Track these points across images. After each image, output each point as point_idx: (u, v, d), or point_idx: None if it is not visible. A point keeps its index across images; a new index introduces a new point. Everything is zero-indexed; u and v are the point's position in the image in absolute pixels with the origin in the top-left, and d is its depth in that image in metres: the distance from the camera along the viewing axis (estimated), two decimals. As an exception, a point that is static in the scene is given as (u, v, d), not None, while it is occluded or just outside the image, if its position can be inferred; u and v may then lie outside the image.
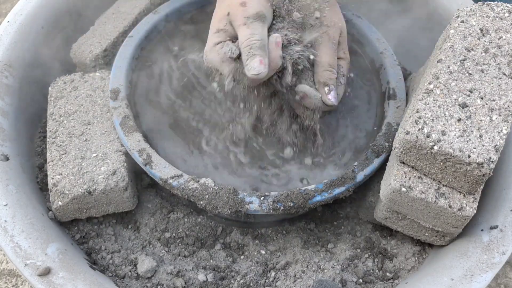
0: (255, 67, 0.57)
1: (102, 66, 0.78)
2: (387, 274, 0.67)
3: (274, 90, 0.64)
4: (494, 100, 0.57)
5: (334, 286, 0.63)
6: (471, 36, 0.62)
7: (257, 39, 0.59)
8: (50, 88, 0.75)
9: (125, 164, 0.67)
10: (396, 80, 0.74)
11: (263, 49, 0.58)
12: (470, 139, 0.55)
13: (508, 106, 0.57)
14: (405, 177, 0.60)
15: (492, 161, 0.54)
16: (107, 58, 0.78)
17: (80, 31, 0.85)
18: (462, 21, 0.63)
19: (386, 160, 0.66)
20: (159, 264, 0.66)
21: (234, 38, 0.63)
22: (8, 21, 0.77)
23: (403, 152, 0.58)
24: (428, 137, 0.55)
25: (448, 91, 0.58)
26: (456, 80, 0.59)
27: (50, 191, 0.65)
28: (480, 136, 0.55)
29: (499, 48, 0.61)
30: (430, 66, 0.64)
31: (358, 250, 0.70)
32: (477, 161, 0.54)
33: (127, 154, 0.68)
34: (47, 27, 0.79)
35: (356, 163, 0.66)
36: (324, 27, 0.65)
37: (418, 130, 0.56)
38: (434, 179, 0.59)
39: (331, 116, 0.72)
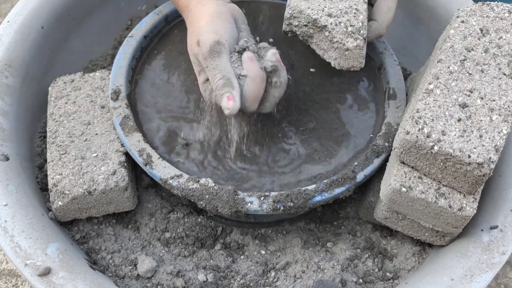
0: (225, 106, 0.60)
1: None
2: (387, 274, 0.67)
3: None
4: (494, 100, 0.57)
5: (334, 286, 0.63)
6: (471, 36, 0.62)
7: (219, 79, 0.60)
8: (50, 88, 0.75)
9: (125, 164, 0.67)
10: (396, 80, 0.74)
11: (227, 85, 0.60)
12: (470, 139, 0.55)
13: (508, 106, 0.57)
14: (405, 177, 0.60)
15: (492, 161, 0.54)
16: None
17: (79, 31, 0.85)
18: (462, 21, 0.63)
19: (386, 160, 0.66)
20: (159, 264, 0.66)
21: None
22: (8, 21, 0.77)
23: (403, 152, 0.58)
24: (428, 137, 0.55)
25: (448, 91, 0.58)
26: (456, 80, 0.59)
27: (50, 191, 0.65)
28: (480, 136, 0.55)
29: (499, 48, 0.61)
30: (430, 66, 0.64)
31: (358, 250, 0.70)
32: (477, 161, 0.54)
33: (127, 154, 0.68)
34: (47, 27, 0.79)
35: (356, 163, 0.66)
36: None
37: (418, 130, 0.56)
38: (434, 179, 0.59)
39: (331, 116, 0.72)
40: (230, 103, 0.59)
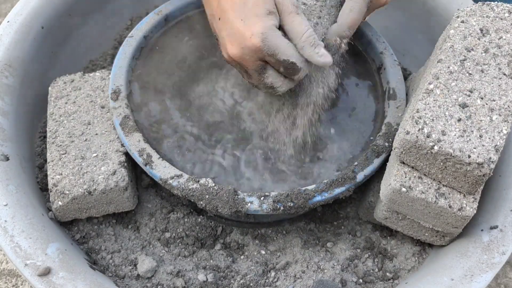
0: (327, 53, 0.59)
1: None
2: (387, 274, 0.67)
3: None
4: (494, 100, 0.57)
5: (334, 286, 0.63)
6: (471, 36, 0.62)
7: (313, 31, 0.60)
8: (50, 88, 0.75)
9: (125, 164, 0.67)
10: (396, 80, 0.74)
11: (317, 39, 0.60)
12: (470, 139, 0.55)
13: (508, 106, 0.57)
14: (405, 177, 0.60)
15: (492, 161, 0.54)
16: None
17: (79, 31, 0.85)
18: (462, 21, 0.63)
19: (386, 160, 0.66)
20: (159, 264, 0.66)
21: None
22: (8, 21, 0.77)
23: (403, 152, 0.58)
24: (428, 137, 0.55)
25: (448, 91, 0.58)
26: (456, 80, 0.59)
27: (50, 191, 0.65)
28: (480, 136, 0.55)
29: (499, 48, 0.61)
30: (430, 66, 0.64)
31: (358, 250, 0.70)
32: (477, 161, 0.54)
33: (127, 154, 0.68)
34: (47, 27, 0.79)
35: (356, 163, 0.66)
36: None
37: (418, 130, 0.56)
38: (434, 179, 0.59)
39: (331, 115, 0.72)
40: (330, 54, 0.60)
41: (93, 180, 0.65)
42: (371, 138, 0.70)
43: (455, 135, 0.55)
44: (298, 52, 0.60)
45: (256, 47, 0.59)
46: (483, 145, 0.55)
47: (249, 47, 0.59)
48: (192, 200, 0.63)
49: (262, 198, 0.62)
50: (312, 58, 0.59)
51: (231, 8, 0.60)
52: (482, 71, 0.59)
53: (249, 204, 0.62)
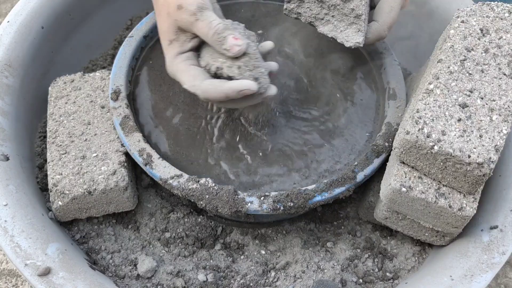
0: (233, 43, 0.58)
1: None
2: (387, 274, 0.67)
3: None
4: (494, 100, 0.57)
5: (334, 286, 0.63)
6: (471, 36, 0.62)
7: (217, 24, 0.60)
8: (50, 88, 0.75)
9: (125, 164, 0.67)
10: (396, 80, 0.74)
11: (228, 29, 0.60)
12: (470, 139, 0.55)
13: (508, 106, 0.57)
14: (405, 177, 0.60)
15: (492, 161, 0.54)
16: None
17: (79, 31, 0.85)
18: (462, 21, 0.63)
19: (386, 160, 0.66)
20: (159, 264, 0.66)
21: (187, 45, 0.63)
22: (8, 21, 0.77)
23: (403, 152, 0.58)
24: (428, 137, 0.55)
25: (448, 91, 0.58)
26: (456, 80, 0.59)
27: (50, 191, 0.65)
28: (480, 136, 0.55)
29: (499, 48, 0.61)
30: (430, 66, 0.64)
31: (358, 250, 0.70)
32: (477, 161, 0.54)
33: (127, 154, 0.68)
34: (47, 27, 0.79)
35: (356, 163, 0.66)
36: None
37: (418, 130, 0.56)
38: (434, 179, 0.59)
39: (330, 116, 0.72)
40: (238, 40, 0.59)
41: (93, 180, 0.65)
42: (371, 138, 0.70)
43: (455, 135, 0.55)
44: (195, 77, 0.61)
45: (168, 73, 0.65)
46: (483, 145, 0.55)
47: None
48: (192, 200, 0.63)
49: (262, 198, 0.62)
50: (225, 54, 0.60)
51: None
52: (482, 71, 0.59)
53: (249, 204, 0.62)
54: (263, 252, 0.70)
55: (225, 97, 0.60)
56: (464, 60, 0.60)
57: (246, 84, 0.59)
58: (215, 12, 0.64)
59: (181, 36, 0.63)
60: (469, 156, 0.54)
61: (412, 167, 0.60)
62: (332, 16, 0.65)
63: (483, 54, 0.60)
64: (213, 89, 0.60)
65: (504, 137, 0.55)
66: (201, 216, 0.71)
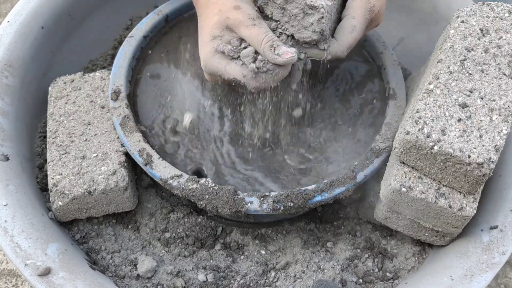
0: (287, 50, 0.59)
1: None
2: (387, 274, 0.67)
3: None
4: (494, 100, 0.57)
5: (334, 286, 0.63)
6: (471, 36, 0.62)
7: (273, 35, 0.60)
8: (50, 88, 0.75)
9: (125, 164, 0.67)
10: (396, 80, 0.74)
11: (280, 42, 0.60)
12: (470, 139, 0.55)
13: (508, 106, 0.57)
14: (405, 177, 0.60)
15: (492, 161, 0.54)
16: None
17: (79, 31, 0.85)
18: (462, 21, 0.63)
19: (386, 160, 0.66)
20: (159, 264, 0.66)
21: (232, 44, 0.63)
22: (8, 21, 0.77)
23: (403, 152, 0.58)
24: (428, 137, 0.55)
25: (448, 91, 0.58)
26: (456, 80, 0.59)
27: (50, 191, 0.65)
28: (480, 136, 0.55)
29: (499, 48, 0.61)
30: (430, 66, 0.64)
31: (358, 250, 0.70)
32: (477, 161, 0.54)
33: (127, 154, 0.68)
34: (47, 27, 0.79)
35: (356, 163, 0.66)
36: None
37: (418, 130, 0.56)
38: (434, 179, 0.59)
39: (331, 116, 0.72)
40: (292, 49, 0.59)
41: (93, 180, 0.65)
42: (371, 138, 0.70)
43: (455, 135, 0.55)
44: (242, 68, 0.61)
45: (203, 69, 0.64)
46: (483, 145, 0.55)
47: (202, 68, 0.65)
48: (192, 200, 0.63)
49: (262, 198, 0.62)
50: (275, 61, 0.59)
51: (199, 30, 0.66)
52: (482, 71, 0.59)
53: (249, 204, 0.62)
54: (263, 252, 0.70)
55: (286, 72, 0.60)
56: (464, 60, 0.60)
57: (289, 50, 0.60)
58: None
59: (227, 34, 0.62)
60: (469, 156, 0.54)
61: (412, 167, 0.60)
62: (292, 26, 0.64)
63: (483, 54, 0.60)
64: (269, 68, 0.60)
65: (504, 137, 0.55)
66: (201, 216, 0.71)
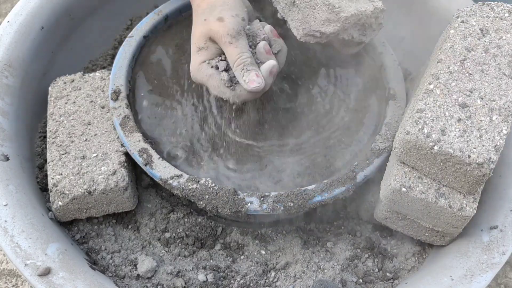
0: (254, 79, 0.61)
1: None
2: (387, 274, 0.67)
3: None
4: (494, 100, 0.57)
5: (334, 286, 0.64)
6: (471, 36, 0.62)
7: (246, 57, 0.62)
8: (50, 88, 0.75)
9: (125, 164, 0.67)
10: (396, 80, 0.74)
11: (254, 65, 0.62)
12: (470, 139, 0.55)
13: (508, 106, 0.57)
14: (405, 177, 0.60)
15: (492, 161, 0.54)
16: None
17: (79, 31, 0.85)
18: (462, 21, 0.63)
19: (386, 160, 0.66)
20: (159, 264, 0.66)
21: (215, 55, 0.65)
22: (8, 21, 0.77)
23: (403, 152, 0.58)
24: (428, 137, 0.55)
25: (448, 91, 0.58)
26: (456, 80, 0.59)
27: (50, 191, 0.65)
28: (480, 136, 0.55)
29: (499, 48, 0.61)
30: (430, 66, 0.64)
31: (358, 250, 0.70)
32: (477, 161, 0.54)
33: (127, 154, 0.68)
34: (47, 27, 0.79)
35: (356, 163, 0.66)
36: None
37: (418, 130, 0.56)
38: (434, 179, 0.59)
39: (330, 115, 0.72)
40: (259, 79, 0.61)
41: (93, 180, 0.65)
42: (371, 138, 0.70)
43: (455, 135, 0.55)
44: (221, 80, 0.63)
45: (192, 79, 0.66)
46: (483, 145, 0.55)
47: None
48: (192, 200, 0.63)
49: (262, 198, 0.62)
50: (243, 85, 0.62)
51: None
52: (482, 71, 0.59)
53: (249, 204, 0.62)
54: (263, 252, 0.70)
55: (263, 88, 0.62)
56: (464, 60, 0.60)
57: (272, 63, 0.62)
58: (248, 14, 0.66)
59: (211, 46, 0.64)
60: (469, 156, 0.54)
61: (412, 167, 0.60)
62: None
63: (483, 54, 0.60)
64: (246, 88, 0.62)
65: (504, 137, 0.55)
66: (201, 216, 0.71)
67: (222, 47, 0.63)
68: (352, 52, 0.71)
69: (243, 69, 0.61)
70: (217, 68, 0.63)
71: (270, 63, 0.63)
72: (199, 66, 0.64)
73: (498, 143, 0.55)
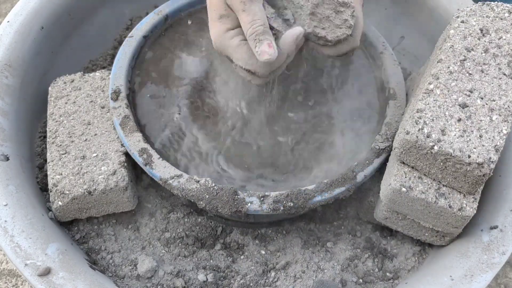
0: (266, 50, 0.57)
1: None
2: (387, 274, 0.68)
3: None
4: (494, 100, 0.57)
5: (334, 286, 0.64)
6: (471, 36, 0.62)
7: (259, 25, 0.58)
8: (50, 88, 0.75)
9: (125, 164, 0.67)
10: (396, 80, 0.74)
11: (267, 33, 0.58)
12: (470, 139, 0.55)
13: (508, 106, 0.57)
14: (405, 177, 0.60)
15: (492, 161, 0.54)
16: None
17: (79, 31, 0.85)
18: (462, 21, 0.63)
19: (386, 160, 0.66)
20: (159, 264, 0.66)
21: (238, 24, 0.61)
22: (8, 21, 0.77)
23: (403, 152, 0.58)
24: (428, 137, 0.55)
25: (448, 91, 0.58)
26: (456, 80, 0.59)
27: (50, 191, 0.65)
28: (480, 136, 0.55)
29: (499, 48, 0.61)
30: (430, 66, 0.64)
31: (358, 250, 0.70)
32: (477, 161, 0.54)
33: (127, 154, 0.68)
34: (47, 27, 0.79)
35: (356, 163, 0.66)
36: None
37: (418, 130, 0.56)
38: (434, 179, 0.59)
39: (330, 116, 0.72)
40: (271, 50, 0.56)
41: (93, 180, 0.65)
42: (371, 138, 0.70)
43: (455, 135, 0.55)
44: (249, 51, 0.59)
45: (215, 48, 0.63)
46: (483, 145, 0.55)
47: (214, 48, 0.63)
48: (192, 200, 0.63)
49: (262, 198, 0.62)
50: (257, 57, 0.58)
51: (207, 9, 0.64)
52: (482, 71, 0.59)
53: (249, 204, 0.62)
54: (263, 252, 0.70)
55: (294, 49, 0.59)
56: (464, 60, 0.60)
57: (298, 30, 0.58)
58: None
59: (232, 14, 0.60)
60: (469, 156, 0.54)
61: (412, 167, 0.60)
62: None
63: (483, 54, 0.60)
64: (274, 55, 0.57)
65: (504, 137, 0.55)
66: (201, 216, 0.71)
67: (238, 16, 0.59)
68: (334, 54, 0.65)
69: (255, 39, 0.57)
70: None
71: (296, 30, 0.58)
72: (224, 35, 0.60)
73: (498, 143, 0.55)
